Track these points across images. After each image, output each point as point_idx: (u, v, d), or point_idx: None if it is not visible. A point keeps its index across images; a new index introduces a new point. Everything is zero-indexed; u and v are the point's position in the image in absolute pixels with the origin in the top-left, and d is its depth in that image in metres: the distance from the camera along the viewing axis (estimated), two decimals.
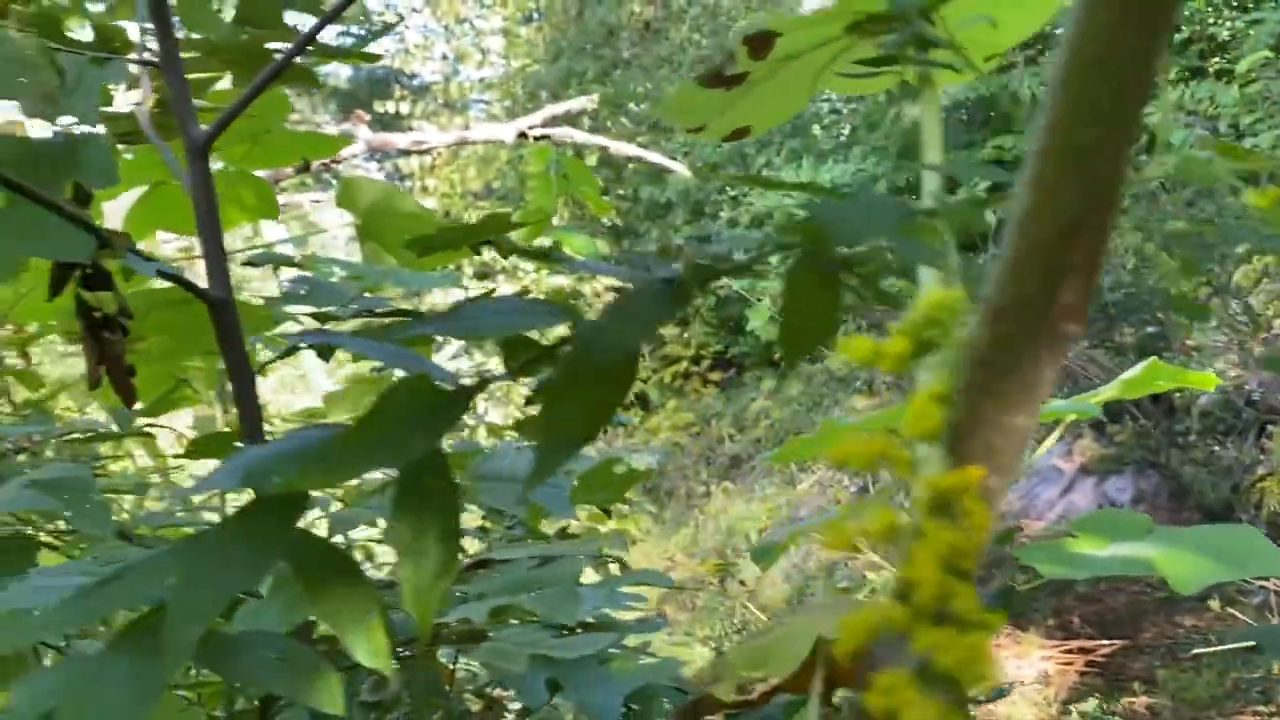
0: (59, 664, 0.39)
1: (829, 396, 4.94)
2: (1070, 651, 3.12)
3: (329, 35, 0.95)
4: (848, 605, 0.68)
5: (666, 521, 4.59)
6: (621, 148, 4.50)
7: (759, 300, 6.08)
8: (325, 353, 0.87)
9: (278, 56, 0.92)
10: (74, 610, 0.37)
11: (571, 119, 4.73)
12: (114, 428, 1.22)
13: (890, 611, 0.16)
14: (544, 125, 3.96)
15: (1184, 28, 5.21)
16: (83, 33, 0.89)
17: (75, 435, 1.29)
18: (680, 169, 4.65)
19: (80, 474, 0.63)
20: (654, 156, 4.44)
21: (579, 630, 0.90)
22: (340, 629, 0.39)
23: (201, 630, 0.34)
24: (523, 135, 4.10)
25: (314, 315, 0.79)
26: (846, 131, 6.94)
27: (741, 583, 3.02)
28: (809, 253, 0.30)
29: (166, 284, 1.00)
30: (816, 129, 7.05)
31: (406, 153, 5.01)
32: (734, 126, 0.46)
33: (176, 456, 0.92)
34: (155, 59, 0.81)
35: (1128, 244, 4.06)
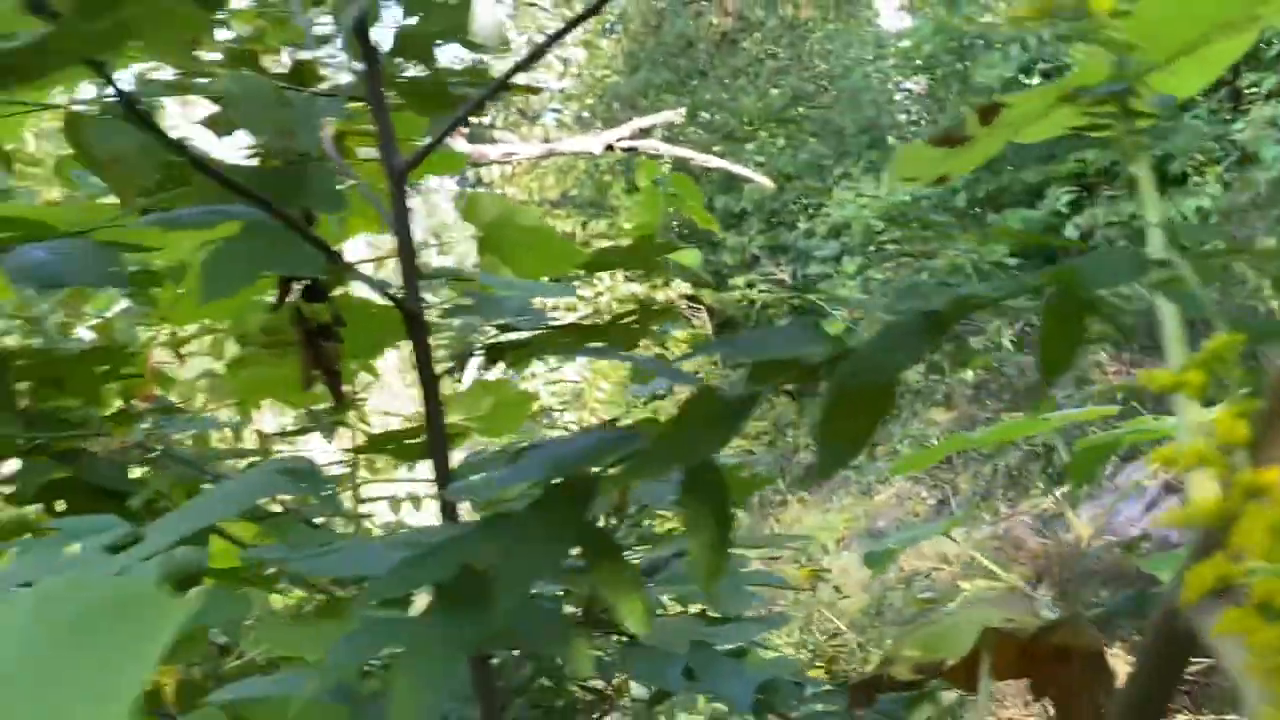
0: (369, 625, 0.47)
1: (906, 408, 4.96)
2: None
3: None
4: (1009, 600, 0.74)
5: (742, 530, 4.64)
6: (704, 159, 4.57)
7: (834, 312, 6.10)
8: (494, 359, 0.95)
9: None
10: (401, 580, 0.45)
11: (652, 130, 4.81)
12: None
13: (1228, 568, 0.22)
14: (631, 137, 4.04)
15: (1275, 41, 5.14)
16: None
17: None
18: (761, 180, 4.71)
19: (312, 466, 0.71)
20: (737, 168, 4.51)
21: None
22: (614, 600, 0.46)
23: (525, 595, 0.42)
24: (609, 147, 4.19)
25: (498, 327, 0.87)
26: None
27: (837, 589, 3.07)
28: (1061, 293, 0.36)
29: None
30: (892, 139, 7.06)
31: (493, 162, 5.13)
32: (940, 174, 0.53)
33: (357, 450, 1.02)
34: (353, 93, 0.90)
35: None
